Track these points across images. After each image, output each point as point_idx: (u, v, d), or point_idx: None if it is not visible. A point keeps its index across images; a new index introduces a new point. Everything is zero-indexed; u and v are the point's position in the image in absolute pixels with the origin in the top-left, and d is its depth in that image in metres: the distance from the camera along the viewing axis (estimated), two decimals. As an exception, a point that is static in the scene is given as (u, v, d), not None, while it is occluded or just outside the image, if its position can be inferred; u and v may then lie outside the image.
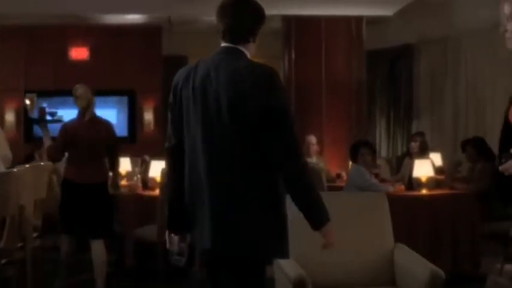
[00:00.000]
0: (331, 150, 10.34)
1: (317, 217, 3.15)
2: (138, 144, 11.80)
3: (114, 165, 6.73)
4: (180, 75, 3.27)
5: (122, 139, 11.50)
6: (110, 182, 6.54)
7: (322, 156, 10.04)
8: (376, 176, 8.90)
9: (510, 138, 2.99)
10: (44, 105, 7.05)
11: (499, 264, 3.32)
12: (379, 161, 11.76)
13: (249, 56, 3.23)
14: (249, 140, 3.07)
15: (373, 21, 12.15)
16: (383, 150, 12.89)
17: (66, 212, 6.31)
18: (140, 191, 7.91)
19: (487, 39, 10.13)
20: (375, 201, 4.84)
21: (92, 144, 6.31)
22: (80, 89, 6.50)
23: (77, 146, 6.28)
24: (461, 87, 11.00)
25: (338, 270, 4.51)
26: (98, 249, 6.44)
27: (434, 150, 9.92)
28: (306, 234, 4.42)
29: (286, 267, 4.17)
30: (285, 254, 3.22)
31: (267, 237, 3.11)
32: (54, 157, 6.45)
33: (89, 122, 6.36)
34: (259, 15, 3.27)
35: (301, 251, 4.33)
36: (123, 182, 8.35)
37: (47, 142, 6.55)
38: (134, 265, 7.50)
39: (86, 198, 6.30)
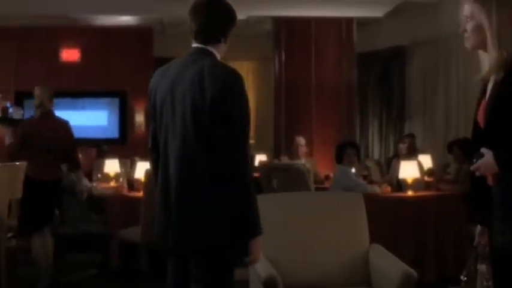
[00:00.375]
0: (321, 152, 10.32)
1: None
2: (128, 146, 11.78)
3: (75, 166, 6.86)
4: (155, 77, 3.32)
5: (113, 140, 11.56)
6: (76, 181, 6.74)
7: (312, 158, 10.02)
8: (365, 177, 8.90)
9: (480, 138, 2.99)
10: (8, 105, 7.23)
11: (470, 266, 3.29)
12: (369, 163, 11.76)
13: (218, 57, 3.22)
14: (211, 141, 3.06)
15: (366, 23, 12.15)
16: (375, 151, 12.87)
17: (27, 209, 6.36)
18: (126, 192, 7.89)
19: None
20: (351, 201, 4.82)
21: (49, 143, 6.51)
22: (37, 90, 6.76)
23: (34, 144, 6.47)
24: (452, 88, 10.98)
25: (312, 270, 4.48)
26: (46, 239, 6.52)
27: (426, 151, 9.90)
28: (280, 234, 4.45)
29: (258, 267, 4.14)
30: (250, 254, 3.18)
31: (230, 236, 3.08)
32: (13, 155, 6.53)
33: (47, 121, 6.61)
34: (230, 17, 3.29)
35: (275, 251, 4.32)
36: (112, 184, 8.35)
37: (7, 141, 6.73)
38: (119, 266, 7.49)
39: (45, 194, 6.46)
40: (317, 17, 10.48)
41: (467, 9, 3.00)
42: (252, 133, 14.37)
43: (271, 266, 4.14)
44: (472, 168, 2.97)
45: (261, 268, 4.09)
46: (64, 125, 6.78)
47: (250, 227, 3.06)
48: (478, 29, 2.97)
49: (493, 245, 2.95)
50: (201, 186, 3.08)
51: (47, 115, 6.64)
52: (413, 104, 12.15)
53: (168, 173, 3.16)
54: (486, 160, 2.87)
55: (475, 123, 3.11)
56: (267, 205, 4.06)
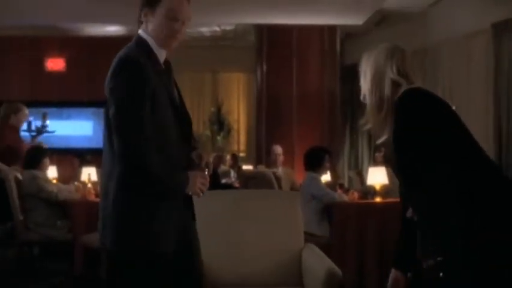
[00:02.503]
0: (302, 161, 10.19)
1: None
2: (114, 156, 11.71)
3: None
4: None
5: (98, 150, 11.50)
6: None
7: (288, 167, 9.92)
8: (341, 186, 8.79)
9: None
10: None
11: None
12: (350, 173, 11.66)
13: (146, 36, 3.16)
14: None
15: (354, 34, 12.10)
16: (365, 162, 12.73)
17: None
18: (93, 198, 7.82)
19: (463, 48, 10.03)
20: (287, 201, 4.71)
21: None
22: None
23: None
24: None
25: (243, 269, 4.38)
26: None
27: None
28: (211, 231, 4.34)
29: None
30: (153, 249, 3.06)
31: (118, 228, 3.01)
32: None
33: None
34: None
35: (207, 248, 4.22)
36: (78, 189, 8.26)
37: None
38: (83, 273, 7.41)
39: None
40: (299, 25, 10.42)
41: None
42: (242, 145, 14.39)
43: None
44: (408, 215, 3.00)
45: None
46: None
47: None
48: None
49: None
50: (106, 183, 3.14)
51: None
52: (401, 114, 12.00)
53: None
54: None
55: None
56: (200, 201, 3.96)
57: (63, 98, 11.74)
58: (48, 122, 9.58)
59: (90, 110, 11.91)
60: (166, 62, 3.23)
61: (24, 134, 9.26)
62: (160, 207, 3.04)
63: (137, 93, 3.00)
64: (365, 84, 2.98)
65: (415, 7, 10.49)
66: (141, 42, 3.14)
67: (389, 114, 2.86)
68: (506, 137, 8.89)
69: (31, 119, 9.43)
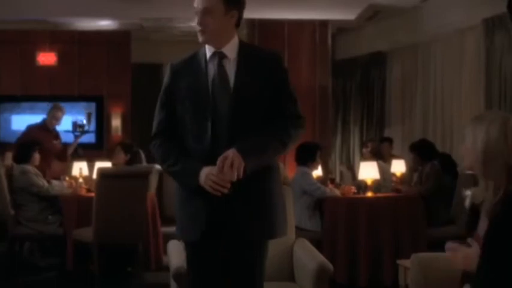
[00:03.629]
0: (294, 156, 10.19)
1: None
2: (105, 151, 11.68)
3: None
4: None
5: (89, 145, 11.47)
6: None
7: (284, 161, 9.89)
8: (332, 181, 8.79)
9: None
10: None
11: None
12: (341, 168, 11.67)
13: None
14: None
15: (346, 29, 12.10)
16: (356, 157, 12.73)
17: None
18: (84, 193, 7.81)
19: (455, 44, 10.04)
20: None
21: None
22: None
23: None
24: (430, 93, 10.87)
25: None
26: None
27: (401, 157, 9.79)
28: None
29: (171, 259, 4.06)
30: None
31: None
32: None
33: None
34: None
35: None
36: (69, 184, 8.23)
37: None
38: (74, 267, 7.40)
39: None
40: (290, 20, 10.40)
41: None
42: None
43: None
44: (448, 247, 2.93)
45: (172, 260, 4.00)
46: None
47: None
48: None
49: None
50: None
51: None
52: (393, 109, 12.03)
53: None
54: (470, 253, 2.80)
55: None
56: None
57: (55, 92, 11.67)
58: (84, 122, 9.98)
59: (82, 105, 11.86)
60: (217, 53, 3.25)
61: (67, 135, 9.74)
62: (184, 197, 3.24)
63: (160, 95, 3.35)
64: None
65: (407, 2, 10.49)
66: None
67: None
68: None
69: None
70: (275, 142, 3.14)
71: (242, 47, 3.25)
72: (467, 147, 2.84)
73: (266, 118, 3.16)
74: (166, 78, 3.33)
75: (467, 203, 2.93)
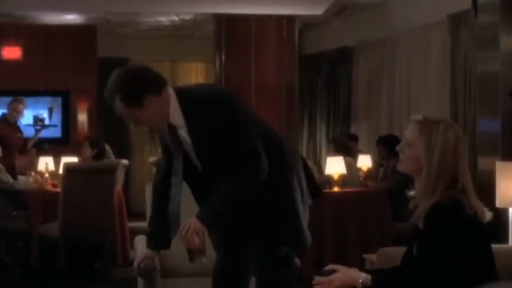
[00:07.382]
0: (261, 151, 10.24)
1: None
2: (71, 146, 11.60)
3: None
4: None
5: (55, 140, 11.40)
6: None
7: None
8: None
9: None
10: None
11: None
12: (308, 162, 11.68)
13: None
14: None
15: (313, 24, 12.12)
16: (323, 153, 12.78)
17: None
18: (50, 188, 7.76)
19: (421, 40, 10.11)
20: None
21: None
22: None
23: None
24: (395, 89, 10.94)
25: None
26: None
27: (370, 152, 9.85)
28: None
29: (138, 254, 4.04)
30: None
31: None
32: None
33: None
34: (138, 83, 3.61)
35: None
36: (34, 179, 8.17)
37: None
38: (39, 263, 7.35)
39: None
40: (257, 15, 10.41)
41: (410, 134, 2.92)
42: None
43: (152, 252, 3.98)
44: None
45: (139, 255, 3.97)
46: None
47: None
48: (416, 158, 2.88)
49: None
50: None
51: None
52: (359, 105, 12.10)
53: None
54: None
55: None
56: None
57: (20, 87, 11.53)
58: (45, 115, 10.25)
59: (47, 99, 11.78)
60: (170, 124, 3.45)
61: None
62: None
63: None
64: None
65: (375, -3, 10.56)
66: None
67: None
68: (462, 129, 8.97)
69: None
70: (233, 189, 3.39)
71: (184, 106, 3.38)
72: (416, 151, 2.87)
73: (232, 151, 3.36)
74: None
75: (411, 204, 2.96)
